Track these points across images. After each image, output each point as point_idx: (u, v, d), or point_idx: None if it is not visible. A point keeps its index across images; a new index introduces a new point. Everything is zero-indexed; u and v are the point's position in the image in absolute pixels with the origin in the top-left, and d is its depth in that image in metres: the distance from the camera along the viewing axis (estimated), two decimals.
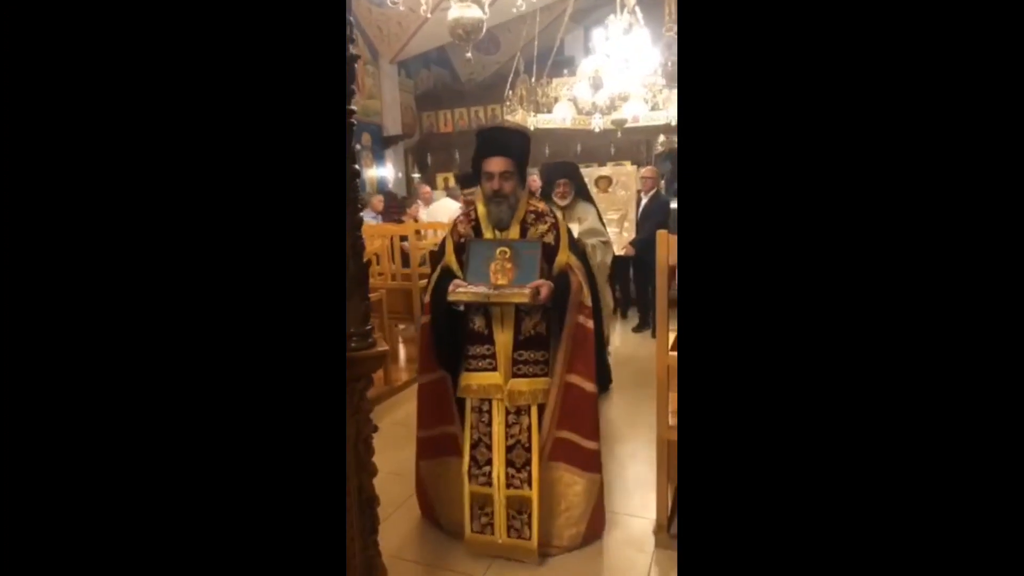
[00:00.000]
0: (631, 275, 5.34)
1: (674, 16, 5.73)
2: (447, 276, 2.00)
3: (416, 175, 9.74)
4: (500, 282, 1.89)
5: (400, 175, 9.44)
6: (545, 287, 1.87)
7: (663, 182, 5.29)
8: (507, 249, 1.94)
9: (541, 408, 1.99)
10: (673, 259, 1.91)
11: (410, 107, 9.79)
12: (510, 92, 6.62)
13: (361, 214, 1.23)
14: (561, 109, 6.52)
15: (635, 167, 5.64)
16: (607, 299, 3.57)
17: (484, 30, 3.59)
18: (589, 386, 2.01)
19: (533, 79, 6.67)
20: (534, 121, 6.61)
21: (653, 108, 6.27)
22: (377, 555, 1.43)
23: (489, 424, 1.99)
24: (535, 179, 3.71)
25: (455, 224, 2.12)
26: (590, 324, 1.99)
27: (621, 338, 5.03)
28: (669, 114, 6.28)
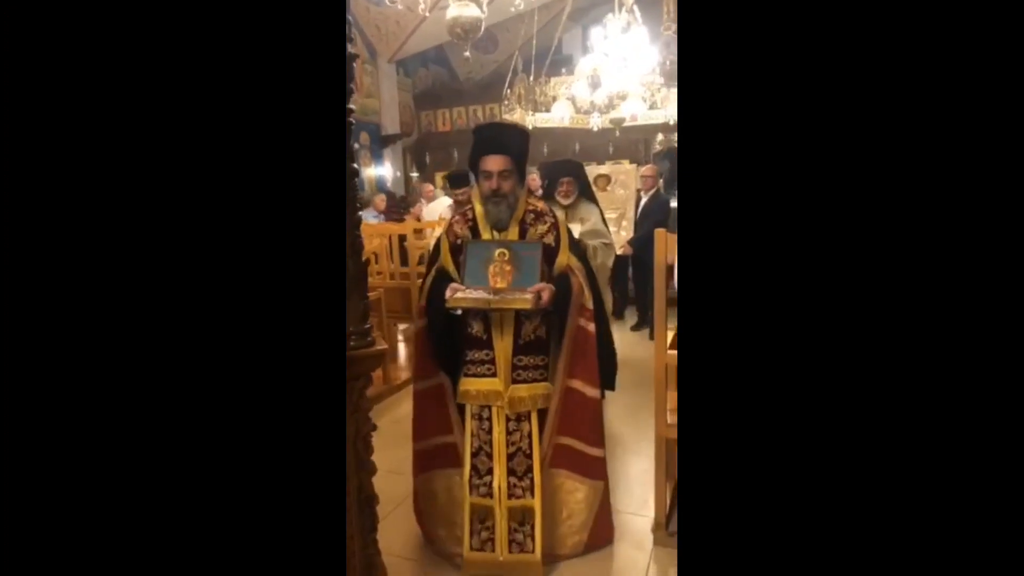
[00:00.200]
0: (629, 274, 5.33)
1: (672, 15, 5.73)
2: (443, 279, 1.93)
3: (414, 174, 9.73)
4: (499, 285, 1.83)
5: (398, 174, 9.43)
6: (546, 291, 1.81)
7: (662, 181, 5.28)
8: (506, 251, 1.87)
9: (541, 414, 1.94)
10: (671, 258, 1.91)
11: (408, 106, 9.79)
12: (508, 91, 6.61)
13: (363, 213, 1.23)
14: (559, 108, 6.52)
15: (634, 165, 5.63)
16: (607, 302, 3.46)
17: (482, 29, 3.59)
18: (591, 391, 1.96)
19: (531, 78, 6.67)
20: (532, 120, 6.60)
21: (651, 107, 6.27)
22: (376, 553, 1.43)
23: (490, 432, 1.92)
24: (534, 178, 3.68)
25: (450, 224, 2.04)
26: (591, 327, 1.94)
27: (619, 337, 5.02)
28: (667, 113, 6.28)
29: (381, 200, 6.90)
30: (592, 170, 5.32)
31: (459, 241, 1.95)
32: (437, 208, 5.60)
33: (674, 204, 4.95)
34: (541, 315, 1.89)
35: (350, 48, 1.30)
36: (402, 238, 4.38)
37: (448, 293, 1.82)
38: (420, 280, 2.36)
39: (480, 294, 1.80)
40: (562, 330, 1.93)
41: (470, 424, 1.94)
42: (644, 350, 4.17)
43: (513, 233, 1.93)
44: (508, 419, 1.90)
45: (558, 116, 6.62)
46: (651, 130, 7.74)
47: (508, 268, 1.85)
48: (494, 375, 1.90)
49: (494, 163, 1.87)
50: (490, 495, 1.92)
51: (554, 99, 6.66)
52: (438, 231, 2.56)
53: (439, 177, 9.31)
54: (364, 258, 1.26)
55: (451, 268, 1.95)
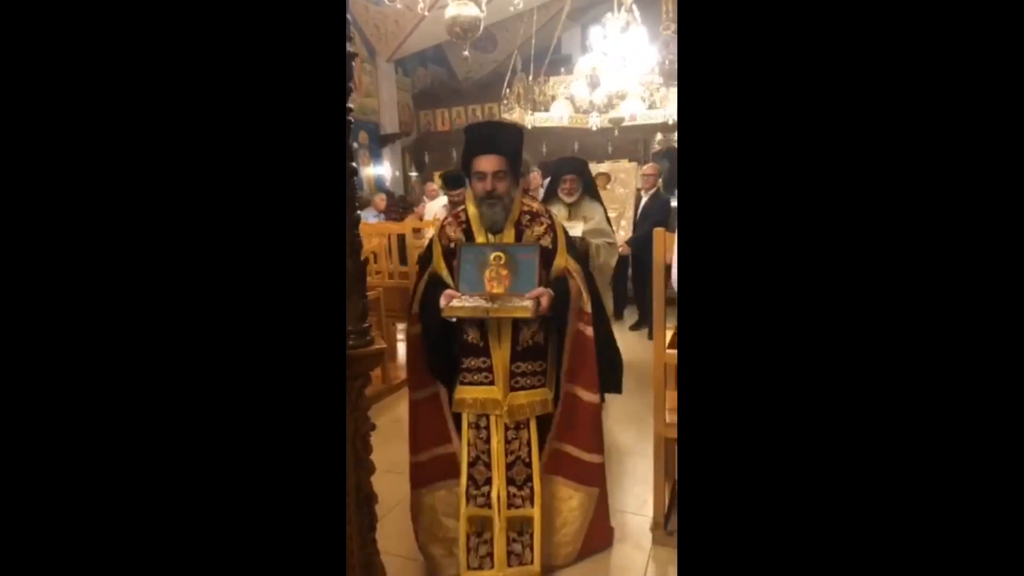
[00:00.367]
0: (629, 274, 5.32)
1: (671, 14, 5.73)
2: (436, 284, 1.84)
3: (413, 173, 9.73)
4: (496, 291, 1.76)
5: (397, 174, 9.42)
6: (546, 296, 1.75)
7: (661, 180, 5.27)
8: (502, 254, 1.79)
9: (539, 420, 1.89)
10: (670, 257, 1.91)
11: (407, 105, 9.78)
12: (507, 90, 6.61)
13: (364, 213, 1.23)
14: (558, 107, 6.52)
15: (634, 164, 5.62)
16: (608, 304, 3.38)
17: (481, 28, 3.58)
18: (590, 396, 1.92)
19: (530, 77, 6.66)
20: (531, 120, 6.60)
21: (650, 106, 6.26)
22: (375, 553, 1.43)
23: (488, 441, 1.86)
24: (536, 175, 3.63)
25: (442, 227, 1.94)
26: (590, 331, 1.90)
27: (618, 337, 5.01)
28: (666, 112, 6.28)
29: (381, 199, 6.89)
30: (591, 168, 5.28)
31: (452, 245, 1.86)
32: (434, 207, 5.61)
33: (674, 204, 4.94)
34: (539, 321, 1.82)
35: (349, 47, 1.30)
36: (401, 237, 4.38)
37: (443, 301, 1.74)
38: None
39: (477, 301, 1.72)
40: (561, 335, 1.88)
41: (467, 433, 1.88)
42: (644, 350, 4.16)
43: (509, 236, 1.85)
44: (507, 427, 1.85)
45: (557, 116, 6.62)
46: (650, 130, 7.74)
47: (505, 272, 1.78)
48: (492, 383, 1.84)
49: (488, 163, 1.78)
50: (488, 505, 1.86)
51: (553, 98, 6.66)
52: (432, 232, 2.52)
53: (437, 176, 9.32)
54: (363, 257, 1.26)
55: (444, 273, 1.87)
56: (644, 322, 5.14)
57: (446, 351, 1.87)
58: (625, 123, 6.06)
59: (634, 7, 5.29)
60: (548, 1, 7.38)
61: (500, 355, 1.83)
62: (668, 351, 2.00)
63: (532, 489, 1.86)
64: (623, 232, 5.06)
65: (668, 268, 1.93)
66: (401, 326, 4.76)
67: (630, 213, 5.14)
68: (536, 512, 1.86)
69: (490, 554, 1.86)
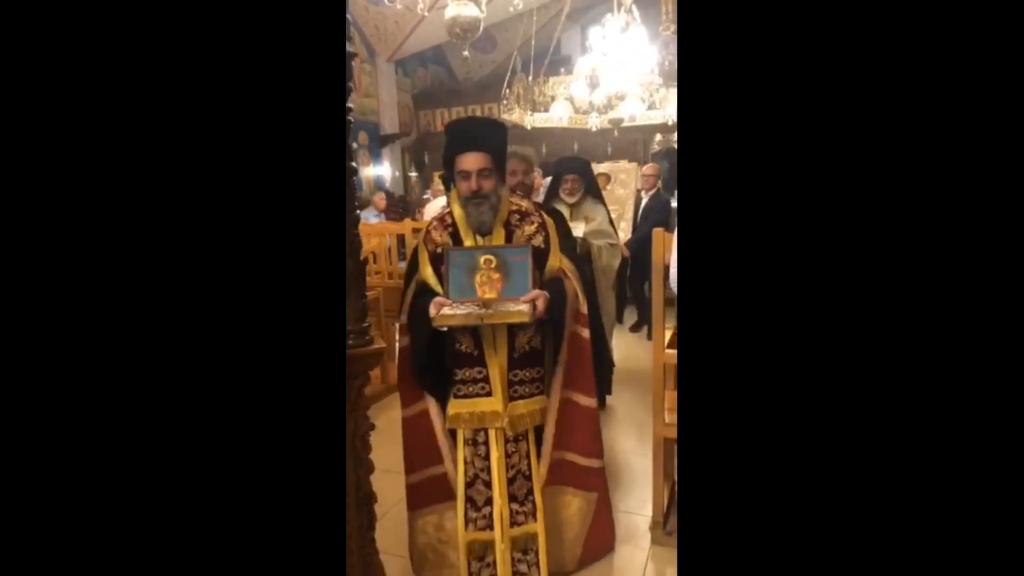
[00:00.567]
0: (627, 275, 5.28)
1: (671, 15, 5.73)
2: (425, 293, 1.74)
3: (413, 174, 9.73)
4: (488, 296, 1.66)
5: (397, 174, 9.42)
6: (541, 299, 1.65)
7: (661, 181, 5.26)
8: (493, 257, 1.69)
9: (538, 430, 1.80)
10: (668, 257, 1.91)
11: (407, 106, 9.78)
12: (507, 91, 6.60)
13: (364, 212, 1.23)
14: (558, 108, 6.51)
15: (634, 164, 5.61)
16: (610, 308, 3.37)
17: (481, 29, 3.58)
18: (588, 401, 1.86)
19: (530, 78, 6.66)
20: (531, 120, 6.59)
21: (650, 107, 6.25)
22: (374, 552, 1.44)
23: (487, 457, 1.76)
24: (538, 176, 3.61)
25: (428, 232, 1.83)
26: (586, 334, 1.83)
27: (618, 338, 5.00)
28: (666, 113, 6.27)
29: (381, 199, 6.89)
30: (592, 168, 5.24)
31: (439, 250, 1.75)
32: (435, 208, 5.60)
33: (674, 204, 4.93)
34: (535, 325, 1.73)
35: (349, 47, 1.30)
36: (401, 238, 4.38)
37: (433, 310, 1.63)
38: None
39: (469, 308, 1.63)
40: (557, 338, 1.79)
41: (463, 451, 1.76)
42: (643, 351, 4.14)
43: (498, 237, 1.75)
44: (506, 440, 1.75)
45: (557, 116, 6.61)
46: (649, 130, 7.74)
47: (496, 276, 1.68)
48: (489, 394, 1.74)
49: (471, 161, 1.69)
50: (489, 527, 1.76)
51: (553, 99, 6.65)
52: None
53: (437, 177, 9.32)
54: (362, 257, 1.26)
55: (432, 280, 1.76)
56: (644, 322, 5.10)
57: (438, 363, 1.76)
58: (625, 124, 6.05)
59: (634, 8, 5.29)
60: (548, 2, 7.39)
61: (497, 364, 1.73)
62: (667, 351, 2.00)
63: (534, 503, 1.78)
64: (623, 234, 5.03)
65: (667, 268, 1.93)
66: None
67: (630, 214, 5.12)
68: (540, 527, 1.78)
69: None
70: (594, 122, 6.19)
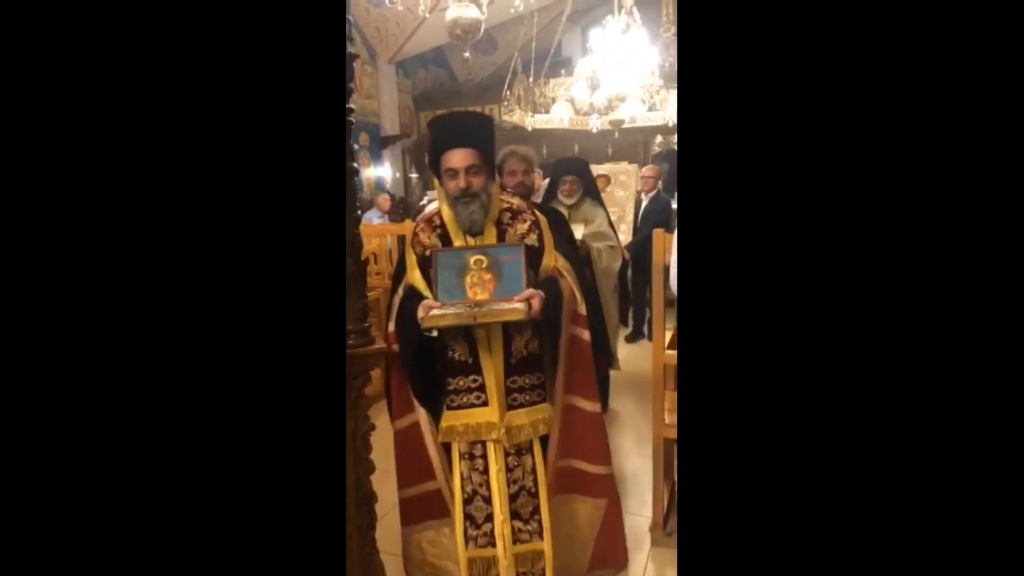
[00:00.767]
0: (627, 280, 5.15)
1: (672, 17, 5.73)
2: (414, 298, 1.63)
3: (414, 175, 9.74)
4: (480, 297, 1.56)
5: (398, 175, 9.43)
6: (536, 298, 1.54)
7: (661, 182, 5.24)
8: (483, 257, 1.59)
9: (543, 440, 1.68)
10: (668, 258, 1.91)
11: (408, 107, 9.79)
12: (508, 92, 6.61)
13: (368, 214, 1.24)
14: (559, 110, 6.52)
15: (634, 166, 5.59)
16: (613, 311, 3.31)
17: (482, 30, 3.59)
18: (591, 405, 1.75)
19: (531, 79, 6.67)
20: (532, 121, 6.60)
21: (651, 109, 6.26)
22: (374, 552, 1.44)
23: (485, 472, 1.64)
24: (538, 177, 3.57)
25: (415, 233, 1.73)
26: (586, 335, 1.73)
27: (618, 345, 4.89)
28: (667, 115, 6.27)
29: (385, 200, 6.89)
30: (591, 170, 5.19)
31: (427, 252, 1.65)
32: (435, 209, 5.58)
33: (675, 205, 4.90)
34: (531, 326, 1.63)
35: (350, 48, 1.31)
36: (402, 238, 4.38)
37: (421, 312, 1.52)
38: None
39: (462, 308, 1.52)
40: (554, 341, 1.68)
41: (459, 466, 1.65)
42: (643, 364, 4.05)
43: (490, 236, 1.66)
44: (507, 453, 1.64)
45: (557, 118, 6.62)
46: (650, 132, 7.75)
47: (488, 277, 1.58)
48: (485, 403, 1.62)
49: (459, 158, 1.59)
50: (491, 544, 1.65)
51: (553, 100, 6.66)
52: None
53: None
54: (363, 257, 1.27)
55: (421, 285, 1.66)
56: (640, 333, 4.95)
57: (428, 372, 1.66)
58: (625, 125, 6.06)
59: (634, 9, 5.30)
60: (549, 3, 7.40)
61: (492, 370, 1.62)
62: (667, 352, 2.00)
63: (540, 521, 1.66)
64: (623, 236, 4.95)
65: (667, 269, 1.93)
66: None
67: (630, 216, 5.06)
68: (547, 545, 1.67)
69: None
70: (595, 124, 6.20)
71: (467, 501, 1.66)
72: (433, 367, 1.66)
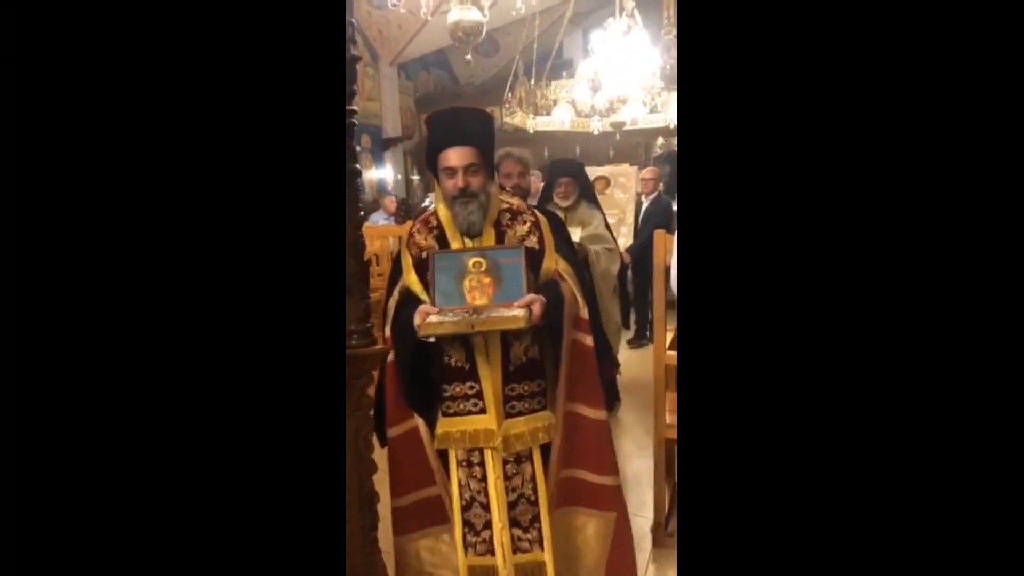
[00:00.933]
0: (627, 282, 4.96)
1: (673, 19, 5.74)
2: (410, 302, 1.57)
3: (415, 177, 9.76)
4: (479, 301, 1.50)
5: (399, 177, 9.45)
6: (537, 303, 1.47)
7: (662, 184, 5.23)
8: (482, 260, 1.53)
9: (544, 449, 1.61)
10: (670, 259, 1.92)
11: (409, 109, 9.82)
12: (509, 95, 6.64)
13: (374, 215, 1.24)
14: (560, 112, 6.54)
15: (634, 168, 5.59)
16: (614, 314, 3.27)
17: (483, 33, 3.61)
18: (595, 413, 1.66)
19: (532, 82, 6.69)
20: (533, 124, 6.63)
21: (652, 111, 6.28)
22: (377, 552, 1.44)
23: (483, 479, 1.58)
24: (537, 180, 3.55)
25: (411, 234, 1.67)
26: (588, 340, 1.65)
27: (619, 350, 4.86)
28: (668, 117, 6.29)
29: (391, 202, 6.91)
30: (590, 172, 5.06)
31: (424, 254, 1.59)
32: None
33: (675, 208, 4.88)
34: (532, 332, 1.56)
35: (352, 51, 1.31)
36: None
37: (417, 318, 1.45)
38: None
39: (458, 315, 1.45)
40: (556, 346, 1.60)
41: (456, 473, 1.60)
42: (646, 369, 4.03)
43: (488, 238, 1.59)
44: (506, 461, 1.58)
45: (559, 120, 6.64)
46: (651, 134, 7.77)
47: (487, 280, 1.52)
48: (483, 411, 1.56)
49: (457, 157, 1.52)
50: (491, 552, 1.60)
51: (555, 103, 6.68)
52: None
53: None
54: (366, 258, 1.28)
55: (417, 288, 1.59)
56: (643, 336, 4.92)
57: (425, 379, 1.60)
58: (626, 127, 6.08)
59: (636, 12, 5.32)
60: (550, 6, 7.42)
61: (490, 377, 1.56)
62: (668, 352, 2.01)
63: (540, 530, 1.60)
64: (623, 239, 4.85)
65: (668, 270, 1.94)
66: None
67: (631, 219, 5.02)
68: (547, 556, 1.60)
69: None
70: (596, 126, 6.22)
71: (465, 508, 1.61)
72: (429, 373, 1.60)
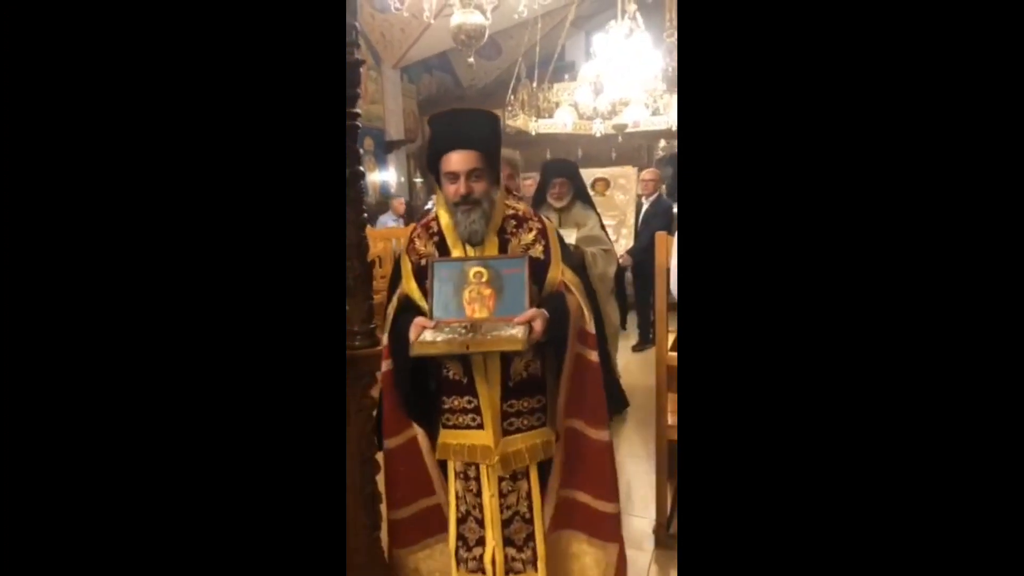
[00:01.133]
0: (624, 283, 4.95)
1: (675, 22, 5.75)
2: (409, 310, 1.51)
3: (418, 179, 9.77)
4: (478, 315, 1.43)
5: (402, 180, 9.47)
6: (539, 319, 1.39)
7: (664, 186, 5.21)
8: (484, 270, 1.45)
9: (542, 467, 1.55)
10: (671, 261, 1.93)
11: (412, 112, 9.82)
12: (512, 97, 6.64)
13: (383, 217, 1.24)
14: (562, 114, 6.55)
15: (635, 169, 5.58)
16: (612, 316, 3.23)
17: (486, 36, 3.62)
18: (598, 433, 1.57)
19: (535, 84, 6.70)
20: (535, 126, 6.64)
21: (654, 113, 6.28)
22: (380, 551, 1.45)
23: (478, 494, 1.54)
24: (532, 183, 3.52)
25: (411, 240, 1.60)
26: (594, 356, 1.56)
27: (620, 357, 4.76)
28: (670, 119, 6.28)
29: (400, 204, 6.89)
30: (590, 173, 4.90)
31: (423, 261, 1.52)
32: None
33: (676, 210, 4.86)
34: (534, 347, 1.46)
35: (356, 54, 1.32)
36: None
37: (412, 334, 1.38)
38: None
39: (452, 333, 1.38)
40: (558, 361, 1.53)
41: (454, 484, 1.56)
42: (648, 373, 3.97)
43: (491, 247, 1.51)
44: (501, 478, 1.53)
45: (561, 122, 6.65)
46: (654, 136, 7.76)
47: (488, 292, 1.45)
48: (480, 426, 1.50)
49: (460, 161, 1.44)
50: (482, 571, 1.56)
51: (557, 105, 6.69)
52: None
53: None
54: (369, 260, 1.29)
55: (416, 296, 1.53)
56: (647, 340, 4.86)
57: (424, 390, 1.54)
58: (629, 129, 6.07)
59: (638, 14, 5.32)
60: (552, 9, 7.42)
61: (488, 393, 1.49)
62: (670, 353, 2.01)
63: (535, 550, 1.54)
64: (624, 241, 4.79)
65: (669, 272, 1.94)
66: None
67: (631, 220, 4.99)
68: None
69: None
70: (598, 128, 6.22)
71: (461, 520, 1.57)
72: (428, 385, 1.55)
